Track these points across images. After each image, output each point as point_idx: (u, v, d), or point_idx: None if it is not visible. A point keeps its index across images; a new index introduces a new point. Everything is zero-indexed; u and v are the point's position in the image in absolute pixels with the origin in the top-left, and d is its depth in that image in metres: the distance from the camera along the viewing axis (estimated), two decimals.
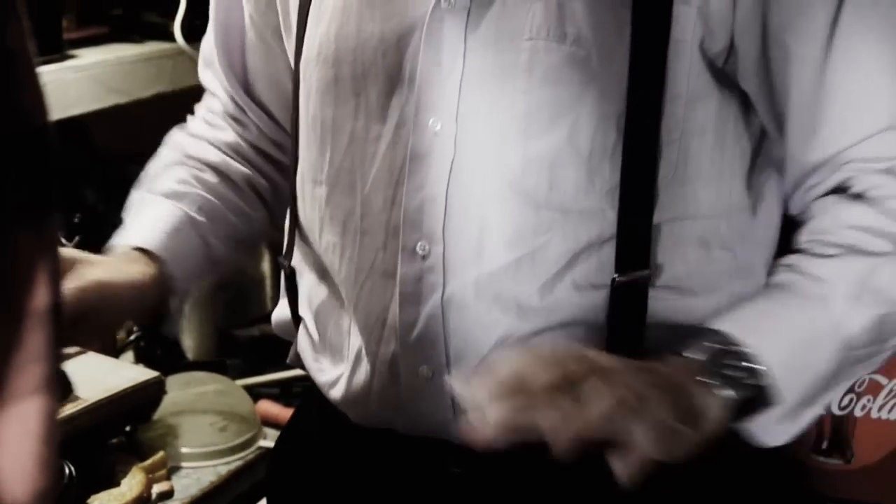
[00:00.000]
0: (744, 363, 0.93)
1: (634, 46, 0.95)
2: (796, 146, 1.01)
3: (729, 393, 0.91)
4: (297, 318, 1.19)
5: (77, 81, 1.71)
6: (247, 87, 1.25)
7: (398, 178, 1.02)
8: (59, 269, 0.55)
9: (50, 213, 0.56)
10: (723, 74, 0.99)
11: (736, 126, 1.02)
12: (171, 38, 1.85)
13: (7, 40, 0.53)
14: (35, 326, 0.53)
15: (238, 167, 1.25)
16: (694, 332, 0.95)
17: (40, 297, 0.53)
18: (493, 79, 0.98)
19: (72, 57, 1.74)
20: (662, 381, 0.89)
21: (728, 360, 0.93)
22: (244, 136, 1.27)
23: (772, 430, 0.98)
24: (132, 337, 1.74)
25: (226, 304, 1.86)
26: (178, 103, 1.83)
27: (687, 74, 0.97)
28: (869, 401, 1.31)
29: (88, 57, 1.77)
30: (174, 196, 1.20)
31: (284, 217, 1.20)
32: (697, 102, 0.98)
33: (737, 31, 0.97)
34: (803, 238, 1.02)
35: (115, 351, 1.71)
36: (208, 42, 1.27)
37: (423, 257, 1.01)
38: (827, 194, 1.01)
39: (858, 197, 0.99)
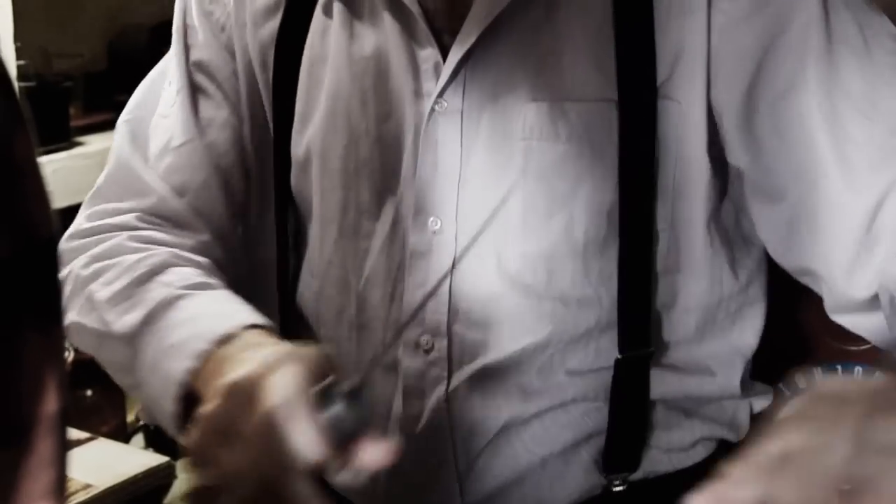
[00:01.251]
0: None
1: (622, 144, 0.97)
2: (835, 198, 0.93)
3: None
4: None
5: (85, 168, 1.73)
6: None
7: (396, 274, 1.03)
8: (66, 374, 0.56)
9: (57, 320, 0.57)
10: (710, 164, 1.00)
11: (726, 217, 1.03)
12: None
13: (14, 153, 0.54)
14: (45, 432, 0.53)
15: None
16: None
17: (49, 403, 0.54)
18: (490, 178, 1.00)
19: (79, 144, 1.76)
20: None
21: None
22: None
23: None
24: (142, 422, 1.74)
25: None
26: None
27: (674, 167, 0.98)
28: None
29: (95, 144, 1.79)
30: (208, 286, 1.03)
31: None
32: (685, 194, 1.00)
33: (723, 117, 0.99)
34: None
35: (125, 435, 1.71)
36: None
37: (427, 351, 1.02)
38: None
39: None
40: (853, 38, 0.94)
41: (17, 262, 0.52)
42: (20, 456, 0.52)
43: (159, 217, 1.10)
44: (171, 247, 1.06)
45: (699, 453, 1.10)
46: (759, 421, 1.15)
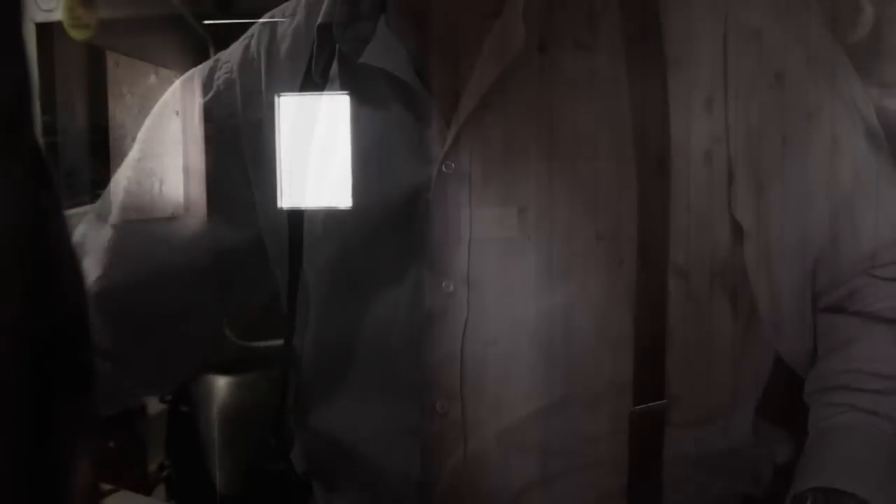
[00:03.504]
0: None
1: (641, 201, 0.97)
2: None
3: None
4: (305, 482, 1.20)
5: None
6: None
7: (417, 339, 1.03)
8: (98, 445, 0.57)
9: (89, 388, 0.58)
10: (731, 220, 1.01)
11: (742, 273, 1.04)
12: None
13: (49, 232, 0.55)
14: (76, 502, 0.54)
15: None
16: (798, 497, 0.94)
17: (83, 475, 0.55)
18: (502, 238, 1.00)
19: None
20: None
21: None
22: None
23: None
24: (164, 473, 1.75)
25: (255, 438, 1.86)
26: None
27: (691, 224, 0.99)
28: None
29: None
30: None
31: None
32: (701, 249, 1.01)
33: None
34: (842, 366, 1.02)
35: (147, 486, 1.72)
36: None
37: (443, 415, 1.02)
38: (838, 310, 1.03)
39: (883, 320, 1.00)
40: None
41: (51, 337, 0.53)
42: None
43: None
44: None
45: None
46: (782, 473, 1.14)
